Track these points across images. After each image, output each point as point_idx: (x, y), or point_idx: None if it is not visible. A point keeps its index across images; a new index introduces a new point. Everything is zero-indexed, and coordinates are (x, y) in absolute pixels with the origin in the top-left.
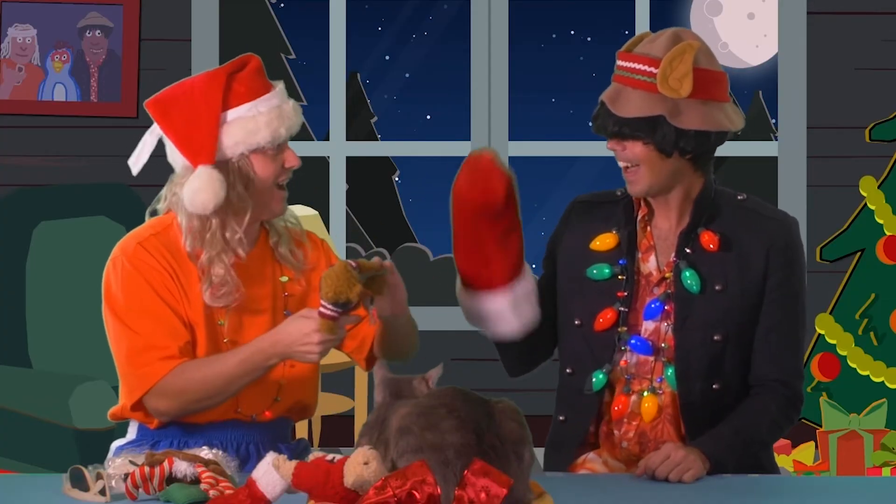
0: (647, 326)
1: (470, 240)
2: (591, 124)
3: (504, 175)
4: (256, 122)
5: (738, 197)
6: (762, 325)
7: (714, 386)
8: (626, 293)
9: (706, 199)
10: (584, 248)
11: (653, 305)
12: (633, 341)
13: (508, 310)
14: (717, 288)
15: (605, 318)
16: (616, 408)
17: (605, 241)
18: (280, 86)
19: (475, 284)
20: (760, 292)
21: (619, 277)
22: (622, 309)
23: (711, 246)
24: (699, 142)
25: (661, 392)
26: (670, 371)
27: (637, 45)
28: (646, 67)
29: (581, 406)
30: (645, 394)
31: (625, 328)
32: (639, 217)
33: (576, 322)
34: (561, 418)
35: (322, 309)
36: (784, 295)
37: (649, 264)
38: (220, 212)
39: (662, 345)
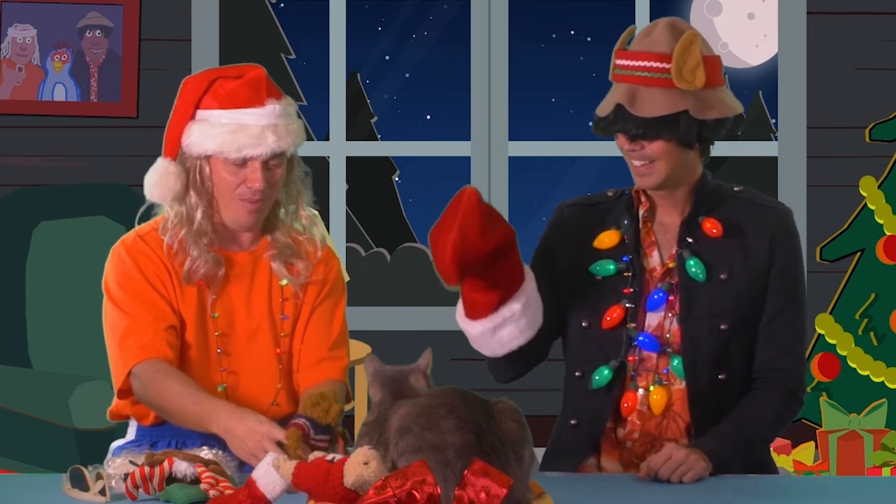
0: (651, 321)
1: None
2: (598, 126)
3: (456, 256)
4: (219, 129)
5: (735, 188)
6: (766, 314)
7: (720, 376)
8: (632, 289)
9: (705, 188)
10: (586, 247)
11: (655, 296)
12: (641, 338)
13: (489, 334)
14: (722, 277)
15: (613, 315)
16: (625, 404)
17: (609, 238)
18: (277, 107)
19: (466, 304)
20: (765, 281)
21: (626, 274)
22: (629, 305)
23: (714, 231)
24: (717, 130)
25: (667, 384)
26: (676, 361)
27: (631, 42)
28: (656, 64)
29: (593, 406)
30: (652, 387)
31: (633, 325)
32: (640, 213)
33: (583, 324)
34: (573, 422)
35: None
36: (787, 283)
37: (652, 259)
38: (189, 200)
39: (667, 335)
